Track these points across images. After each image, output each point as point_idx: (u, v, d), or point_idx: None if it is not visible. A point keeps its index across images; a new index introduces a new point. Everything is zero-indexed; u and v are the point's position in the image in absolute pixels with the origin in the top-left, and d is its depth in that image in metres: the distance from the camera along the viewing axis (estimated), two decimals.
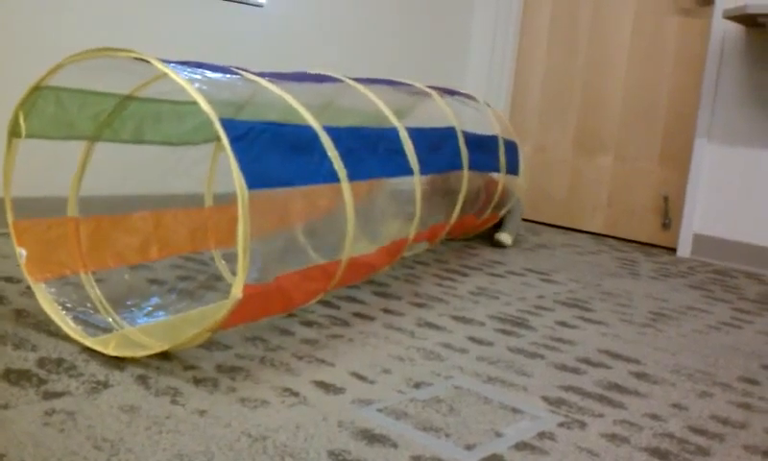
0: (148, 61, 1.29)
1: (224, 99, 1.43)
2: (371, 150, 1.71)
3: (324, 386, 1.38)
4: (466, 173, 2.31)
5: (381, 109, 1.81)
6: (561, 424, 1.32)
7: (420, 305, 1.98)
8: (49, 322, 1.54)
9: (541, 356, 1.68)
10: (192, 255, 2.22)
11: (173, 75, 1.25)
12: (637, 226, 3.48)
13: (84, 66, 1.40)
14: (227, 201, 2.02)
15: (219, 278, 2.03)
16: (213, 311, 1.75)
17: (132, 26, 2.60)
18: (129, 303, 1.72)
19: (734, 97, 3.10)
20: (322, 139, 1.53)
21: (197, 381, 1.34)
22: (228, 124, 1.26)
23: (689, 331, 2.02)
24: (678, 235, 3.29)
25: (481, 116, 2.71)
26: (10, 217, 1.54)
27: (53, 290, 1.57)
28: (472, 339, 1.75)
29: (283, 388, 1.35)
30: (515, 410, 1.36)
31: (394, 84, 2.24)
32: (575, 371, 1.61)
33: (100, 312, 1.61)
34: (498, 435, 1.25)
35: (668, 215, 3.37)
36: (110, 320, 1.59)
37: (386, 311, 1.90)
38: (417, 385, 1.43)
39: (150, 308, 1.73)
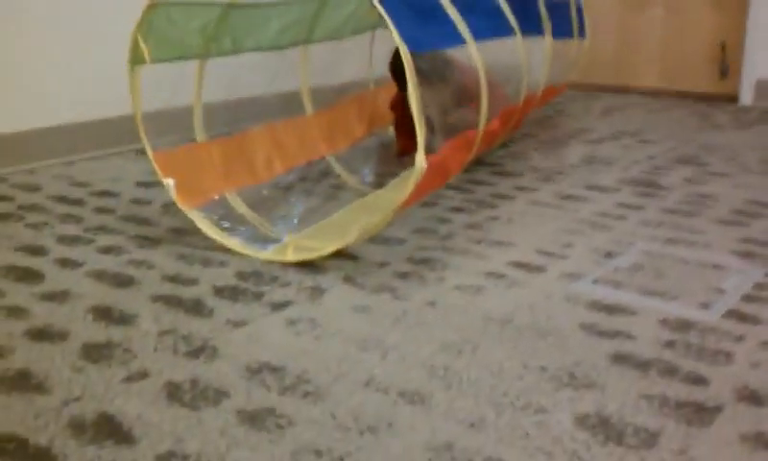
0: None
1: None
2: (470, 11, 1.67)
3: (522, 266, 1.38)
4: (549, 38, 2.25)
5: None
6: None
7: (546, 179, 1.97)
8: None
9: (697, 214, 1.68)
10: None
11: None
12: (693, 77, 3.45)
13: None
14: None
15: (338, 186, 1.98)
16: (383, 196, 1.74)
17: None
18: (278, 215, 1.70)
19: None
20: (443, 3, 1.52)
21: (402, 276, 1.34)
22: None
23: None
24: (739, 83, 3.27)
25: None
26: (148, 149, 1.49)
27: (203, 214, 1.53)
28: (622, 205, 1.75)
29: (486, 272, 1.35)
30: (716, 267, 1.37)
31: None
32: (739, 223, 1.62)
33: (257, 228, 1.59)
34: (721, 291, 1.26)
35: (726, 62, 3.33)
36: (272, 233, 1.57)
37: (519, 189, 1.89)
38: (607, 255, 1.43)
39: (297, 218, 1.70)
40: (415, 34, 1.32)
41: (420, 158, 1.25)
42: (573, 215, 1.67)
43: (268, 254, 1.43)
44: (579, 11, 2.66)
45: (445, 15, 1.58)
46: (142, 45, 1.38)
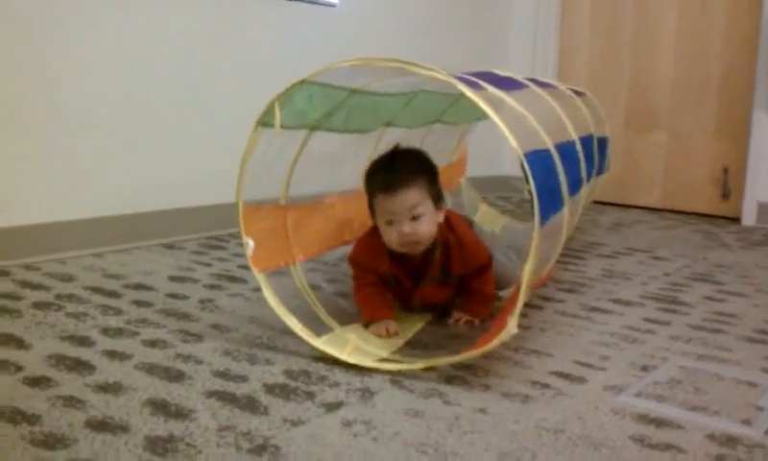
0: (443, 78, 1.28)
1: None
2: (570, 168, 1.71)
3: (564, 376, 1.42)
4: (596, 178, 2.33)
5: (563, 119, 1.82)
6: None
7: (569, 291, 2.03)
8: (254, 338, 1.55)
9: (723, 331, 1.73)
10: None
11: (482, 104, 1.26)
12: (695, 198, 3.57)
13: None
14: None
15: None
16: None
17: (209, 31, 2.60)
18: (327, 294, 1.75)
19: None
20: (578, 151, 1.57)
21: (447, 380, 1.37)
22: (533, 159, 1.28)
23: None
24: (741, 205, 3.38)
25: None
26: (240, 205, 1.50)
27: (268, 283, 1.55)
28: (648, 320, 1.80)
29: (530, 381, 1.38)
30: (751, 384, 1.41)
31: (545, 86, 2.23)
32: (764, 342, 1.67)
33: (311, 306, 1.65)
34: (759, 409, 1.30)
35: (728, 185, 3.46)
36: (322, 316, 1.63)
37: (545, 299, 1.94)
38: (644, 368, 1.47)
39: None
40: (548, 209, 1.34)
41: (514, 324, 1.29)
42: (603, 328, 1.72)
43: (323, 344, 1.47)
44: (603, 144, 2.73)
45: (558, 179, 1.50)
46: (278, 113, 1.42)
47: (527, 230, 2.32)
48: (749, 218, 3.35)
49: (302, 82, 1.39)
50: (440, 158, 2.31)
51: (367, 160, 2.01)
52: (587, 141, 2.08)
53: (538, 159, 1.35)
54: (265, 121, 1.44)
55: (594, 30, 3.81)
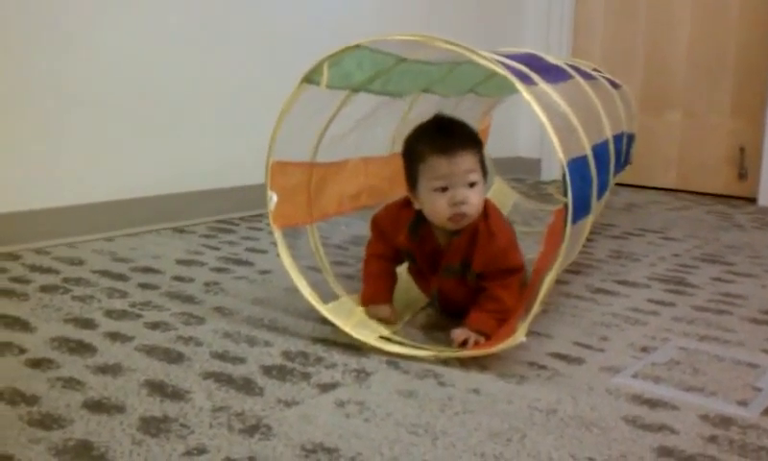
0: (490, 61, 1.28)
1: None
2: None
3: (562, 357, 1.42)
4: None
5: (602, 117, 1.81)
6: None
7: (575, 272, 2.02)
8: (255, 320, 1.56)
9: (728, 312, 1.72)
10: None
11: (522, 88, 1.26)
12: (712, 178, 3.53)
13: None
14: None
15: None
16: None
17: (219, 16, 2.60)
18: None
19: None
20: (610, 152, 1.56)
21: (444, 361, 1.37)
22: (572, 168, 1.29)
23: None
24: (758, 185, 3.34)
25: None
26: (270, 159, 1.50)
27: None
28: (652, 301, 1.79)
29: (527, 362, 1.38)
30: (751, 365, 1.40)
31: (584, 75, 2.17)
32: (767, 323, 1.66)
33: (321, 272, 1.66)
34: (757, 390, 1.29)
35: (744, 165, 3.41)
36: (331, 283, 1.64)
37: None
38: (643, 349, 1.47)
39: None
40: (583, 201, 1.36)
41: (523, 332, 1.29)
42: (606, 309, 1.71)
43: (328, 311, 1.50)
44: (630, 140, 2.68)
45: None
46: (326, 72, 1.42)
47: (536, 212, 2.30)
48: (765, 198, 3.31)
49: (357, 46, 1.39)
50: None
51: (402, 123, 1.91)
52: (618, 140, 2.06)
53: (576, 168, 1.33)
54: (311, 78, 1.43)
55: (609, 8, 3.77)
